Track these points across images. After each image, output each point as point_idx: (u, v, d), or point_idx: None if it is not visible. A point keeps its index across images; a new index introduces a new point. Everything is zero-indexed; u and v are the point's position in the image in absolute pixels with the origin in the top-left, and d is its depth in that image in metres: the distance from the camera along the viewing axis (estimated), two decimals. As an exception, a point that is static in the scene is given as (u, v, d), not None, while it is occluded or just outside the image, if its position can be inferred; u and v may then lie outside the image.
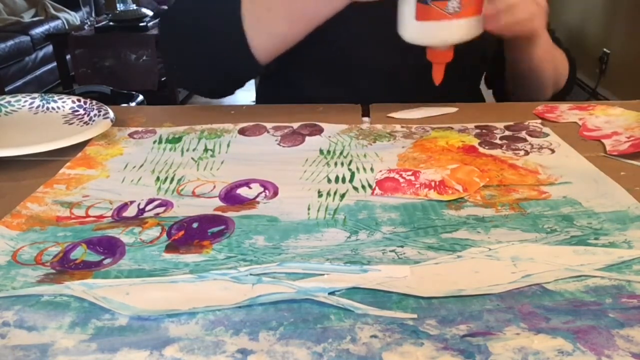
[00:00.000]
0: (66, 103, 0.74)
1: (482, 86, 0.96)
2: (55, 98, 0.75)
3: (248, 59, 0.69)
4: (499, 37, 0.72)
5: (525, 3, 0.67)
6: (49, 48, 3.47)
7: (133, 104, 2.36)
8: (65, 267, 0.42)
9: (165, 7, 3.17)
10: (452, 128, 0.68)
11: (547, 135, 0.66)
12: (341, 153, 0.62)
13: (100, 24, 3.11)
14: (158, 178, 0.57)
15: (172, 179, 0.56)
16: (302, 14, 0.67)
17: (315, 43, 0.70)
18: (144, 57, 2.89)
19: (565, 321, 0.35)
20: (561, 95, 0.85)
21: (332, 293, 0.38)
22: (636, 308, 0.37)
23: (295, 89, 0.83)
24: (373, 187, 0.54)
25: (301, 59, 0.76)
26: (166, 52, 0.79)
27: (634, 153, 0.59)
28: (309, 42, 0.70)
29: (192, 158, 0.61)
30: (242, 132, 0.68)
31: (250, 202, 0.52)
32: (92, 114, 0.71)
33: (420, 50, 0.66)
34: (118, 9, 3.14)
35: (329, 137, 0.66)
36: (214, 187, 0.55)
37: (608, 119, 0.70)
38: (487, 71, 0.94)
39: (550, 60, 0.79)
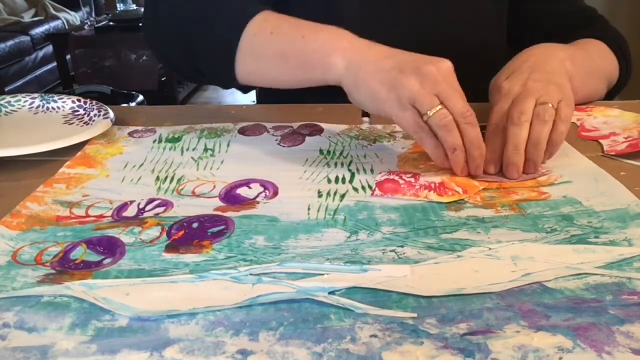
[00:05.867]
0: (66, 103, 0.74)
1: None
2: (55, 98, 0.75)
3: (231, 77, 0.64)
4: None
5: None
6: (49, 48, 3.47)
7: (133, 104, 2.36)
8: (65, 267, 0.42)
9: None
10: (452, 127, 0.68)
11: (546, 134, 0.66)
12: (341, 153, 0.62)
13: (100, 24, 3.11)
14: (158, 178, 0.57)
15: (172, 179, 0.56)
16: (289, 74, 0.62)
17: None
18: (144, 57, 2.89)
19: (566, 318, 0.35)
20: (615, 89, 0.79)
21: (332, 293, 0.38)
22: (636, 305, 0.37)
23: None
24: (373, 188, 0.54)
25: None
26: (152, 45, 0.72)
27: (631, 153, 0.59)
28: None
29: (192, 157, 0.61)
30: (242, 131, 0.68)
31: (250, 202, 0.52)
32: (92, 114, 0.71)
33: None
34: (118, 9, 3.14)
35: (329, 137, 0.66)
36: (214, 187, 0.55)
37: (606, 119, 0.70)
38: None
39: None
